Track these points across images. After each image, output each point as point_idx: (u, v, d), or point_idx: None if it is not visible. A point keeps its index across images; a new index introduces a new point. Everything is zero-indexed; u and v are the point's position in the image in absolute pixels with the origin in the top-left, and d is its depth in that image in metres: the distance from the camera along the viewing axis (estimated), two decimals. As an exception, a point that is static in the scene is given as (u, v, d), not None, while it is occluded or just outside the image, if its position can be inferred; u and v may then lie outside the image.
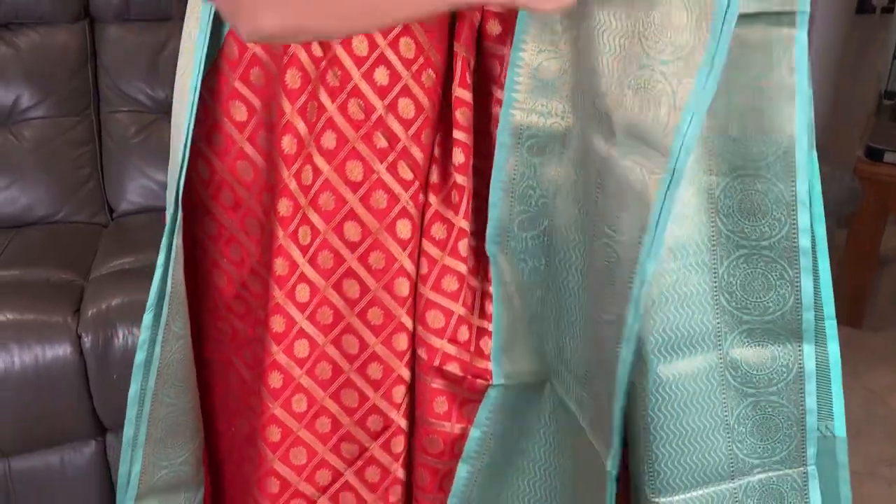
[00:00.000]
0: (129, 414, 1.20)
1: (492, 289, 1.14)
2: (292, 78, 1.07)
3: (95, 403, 1.71)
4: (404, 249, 1.14)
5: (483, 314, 1.15)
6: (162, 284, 1.16)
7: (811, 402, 1.14)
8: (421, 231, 1.14)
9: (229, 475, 1.38)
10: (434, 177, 1.14)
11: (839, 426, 1.17)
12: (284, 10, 0.97)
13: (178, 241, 1.13)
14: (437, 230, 1.13)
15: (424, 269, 1.14)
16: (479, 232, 1.15)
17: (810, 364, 1.13)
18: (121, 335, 1.69)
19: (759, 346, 1.13)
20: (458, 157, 1.11)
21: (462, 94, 1.10)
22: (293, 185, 1.10)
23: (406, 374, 1.19)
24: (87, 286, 1.84)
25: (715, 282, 1.10)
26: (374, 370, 1.18)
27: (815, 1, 2.65)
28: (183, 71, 1.14)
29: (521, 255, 1.15)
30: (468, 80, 1.10)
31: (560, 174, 1.11)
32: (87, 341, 1.68)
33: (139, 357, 1.18)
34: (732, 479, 1.15)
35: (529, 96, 1.09)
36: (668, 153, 0.93)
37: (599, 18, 1.01)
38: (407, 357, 1.18)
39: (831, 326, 1.14)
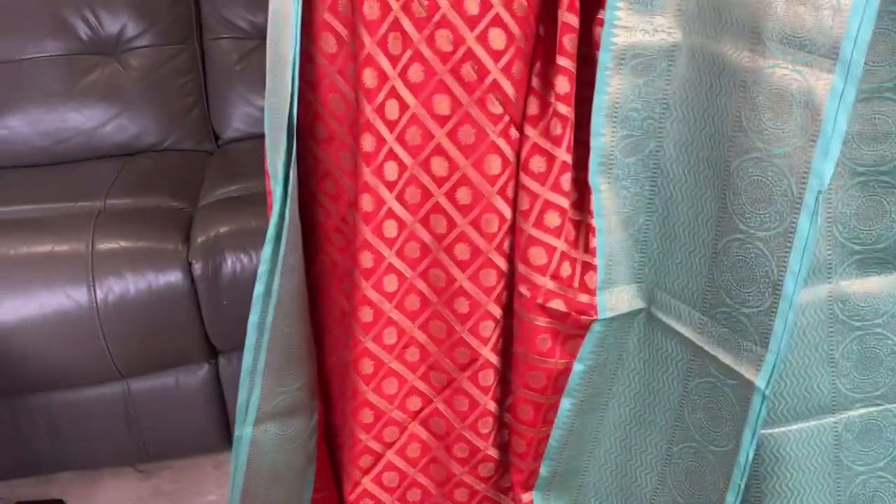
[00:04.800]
0: (248, 342, 1.23)
1: (594, 221, 1.13)
2: (370, 9, 1.05)
3: (207, 328, 1.77)
4: (493, 186, 1.13)
5: (587, 248, 1.14)
6: (280, 217, 1.17)
7: None
8: (518, 165, 1.13)
9: (335, 401, 1.41)
10: (532, 108, 1.12)
11: None
12: None
13: (293, 174, 1.14)
14: (537, 163, 1.11)
15: (525, 205, 1.12)
16: (579, 162, 1.13)
17: None
18: (229, 262, 1.73)
19: (868, 276, 1.10)
20: (563, 85, 1.08)
21: (569, 18, 1.06)
22: (376, 119, 1.09)
23: (496, 310, 1.19)
24: (196, 214, 1.88)
25: (829, 212, 1.07)
26: (462, 304, 1.19)
27: None
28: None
29: (622, 181, 1.13)
30: (577, 4, 1.07)
31: (669, 93, 1.07)
32: (197, 268, 1.72)
33: (259, 289, 1.20)
34: (834, 414, 1.14)
35: (633, 13, 1.05)
36: (837, 58, 0.91)
37: None
38: (496, 293, 1.18)
39: None
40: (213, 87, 2.24)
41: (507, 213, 1.15)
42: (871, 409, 1.15)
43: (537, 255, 1.13)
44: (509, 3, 1.07)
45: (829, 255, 1.09)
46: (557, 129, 1.09)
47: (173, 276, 1.72)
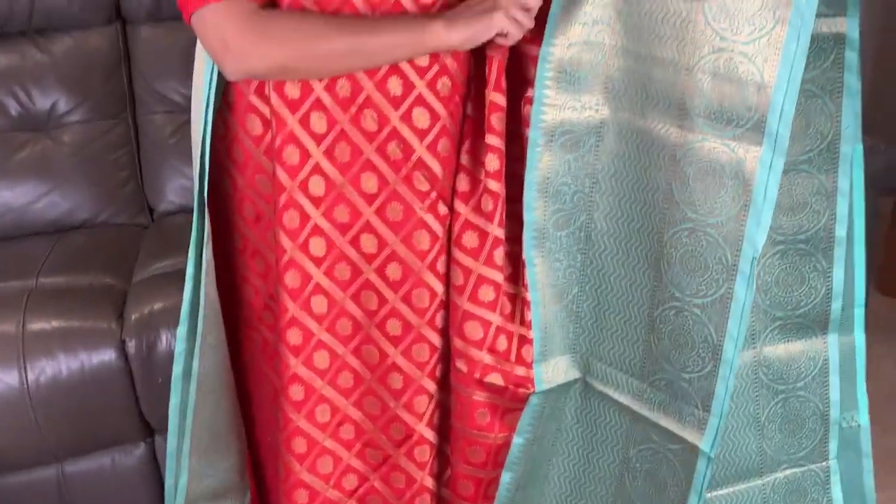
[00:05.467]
0: (171, 425, 1.22)
1: (528, 295, 1.14)
2: (291, 88, 1.07)
3: (142, 406, 1.74)
4: (423, 261, 1.14)
5: (523, 321, 1.15)
6: (194, 296, 1.17)
7: (835, 394, 1.15)
8: (450, 241, 1.14)
9: (269, 481, 1.39)
10: (463, 185, 1.13)
11: (863, 414, 1.18)
12: (274, 55, 1.00)
13: (207, 253, 1.14)
14: (469, 239, 1.12)
15: (459, 280, 1.13)
16: (512, 236, 1.14)
17: (834, 354, 1.14)
18: (164, 339, 1.70)
19: (790, 341, 1.14)
20: (493, 163, 1.10)
21: (496, 98, 1.09)
22: (300, 196, 1.10)
23: (430, 385, 1.19)
24: (130, 290, 1.86)
25: None
26: (395, 380, 1.19)
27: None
28: (197, 78, 1.14)
29: (556, 254, 1.14)
30: (503, 84, 1.09)
31: (598, 168, 1.10)
32: (131, 346, 1.70)
33: (177, 369, 1.20)
34: (761, 476, 1.16)
35: (561, 91, 1.08)
36: (764, 131, 0.94)
37: (652, 6, 1.00)
38: (430, 368, 1.19)
39: (860, 315, 1.15)
40: (146, 160, 2.23)
41: (439, 287, 1.16)
42: (796, 469, 1.17)
43: (473, 330, 1.13)
44: (433, 84, 1.09)
45: (753, 321, 1.11)
46: (489, 205, 1.11)
47: (107, 355, 1.69)
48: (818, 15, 0.99)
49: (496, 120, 1.09)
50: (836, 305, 1.12)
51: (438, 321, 1.18)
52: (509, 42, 1.07)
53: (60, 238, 2.10)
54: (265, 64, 1.02)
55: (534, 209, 1.11)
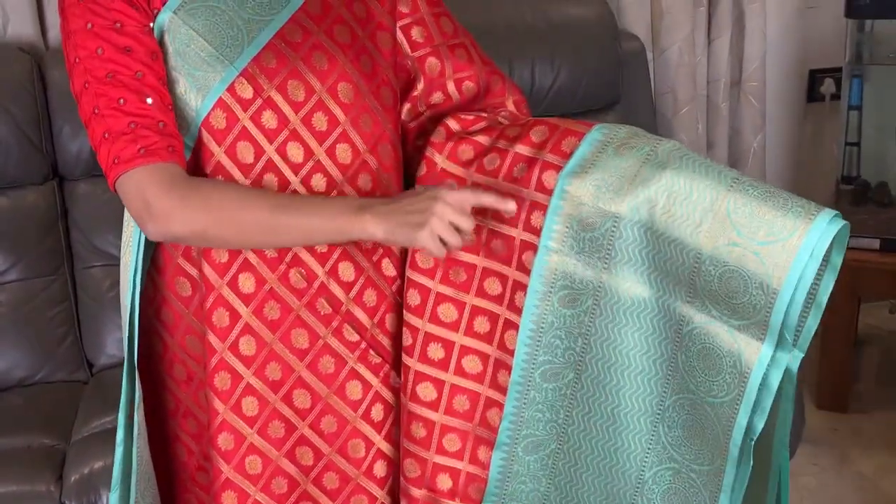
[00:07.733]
0: None
1: (497, 437, 1.16)
2: (220, 252, 1.10)
3: (83, 571, 1.70)
4: (356, 411, 1.16)
5: (475, 459, 1.18)
6: (125, 460, 1.16)
7: None
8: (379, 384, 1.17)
9: None
10: (407, 340, 1.16)
11: None
12: (195, 220, 1.03)
13: (139, 415, 1.14)
14: (424, 391, 1.16)
15: (422, 433, 1.16)
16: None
17: None
18: (104, 499, 1.68)
19: None
20: (414, 298, 1.16)
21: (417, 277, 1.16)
22: (230, 357, 1.11)
23: None
24: (70, 450, 1.84)
25: None
26: None
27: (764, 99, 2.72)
28: (126, 243, 1.16)
29: (539, 405, 1.15)
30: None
31: (591, 330, 1.10)
32: (71, 509, 1.67)
33: None
34: None
35: (566, 246, 1.10)
36: (767, 330, 0.96)
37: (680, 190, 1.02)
38: None
39: None
40: (85, 315, 2.22)
41: (373, 435, 1.17)
42: None
43: (443, 482, 1.16)
44: (358, 241, 1.12)
45: None
46: (440, 353, 1.14)
47: (45, 520, 1.66)
48: None
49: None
50: None
51: (376, 470, 1.18)
52: (435, 255, 1.08)
53: (-4, 398, 2.07)
54: (186, 228, 1.05)
55: (521, 357, 1.13)
